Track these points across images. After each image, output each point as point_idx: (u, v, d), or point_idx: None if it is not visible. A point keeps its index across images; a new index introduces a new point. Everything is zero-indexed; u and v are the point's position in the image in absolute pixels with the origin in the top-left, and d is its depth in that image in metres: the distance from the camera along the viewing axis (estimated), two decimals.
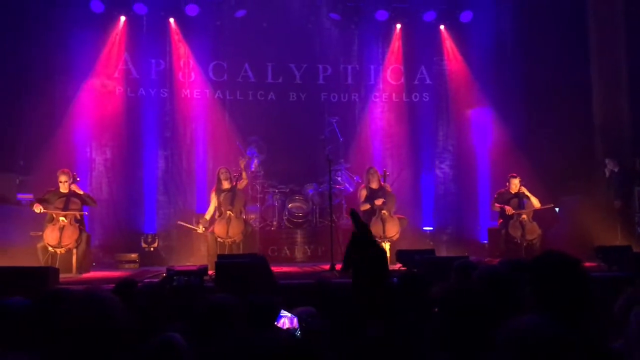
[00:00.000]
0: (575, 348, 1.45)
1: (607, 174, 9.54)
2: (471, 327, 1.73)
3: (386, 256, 1.25)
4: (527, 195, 8.76)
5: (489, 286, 2.29)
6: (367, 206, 8.63)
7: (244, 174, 8.78)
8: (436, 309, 2.25)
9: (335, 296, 3.62)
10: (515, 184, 8.80)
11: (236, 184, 8.61)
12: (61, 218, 7.66)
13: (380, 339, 2.42)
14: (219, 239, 8.31)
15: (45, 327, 2.46)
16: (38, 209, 7.64)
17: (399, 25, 11.01)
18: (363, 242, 1.21)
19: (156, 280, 6.32)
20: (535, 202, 8.72)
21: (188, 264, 8.59)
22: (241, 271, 5.95)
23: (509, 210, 8.66)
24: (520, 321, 1.50)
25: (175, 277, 5.73)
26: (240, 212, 8.54)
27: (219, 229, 8.32)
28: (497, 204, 8.89)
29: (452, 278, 3.14)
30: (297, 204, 9.89)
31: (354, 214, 1.36)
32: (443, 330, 1.77)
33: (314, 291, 3.98)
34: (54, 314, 1.98)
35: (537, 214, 8.76)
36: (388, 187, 8.91)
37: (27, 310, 2.66)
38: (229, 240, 8.30)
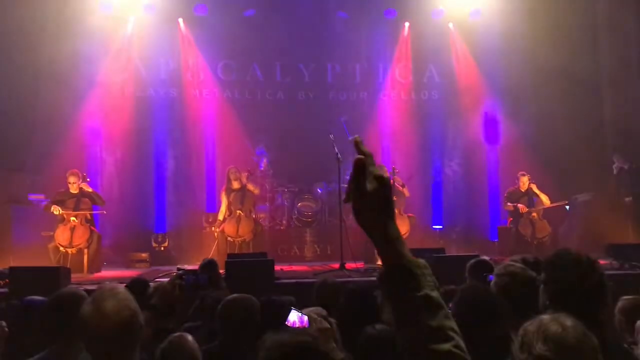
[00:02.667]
0: (597, 347, 1.44)
1: (615, 170, 9.44)
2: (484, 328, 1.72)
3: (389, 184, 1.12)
4: (536, 193, 8.69)
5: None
6: None
7: (250, 186, 8.75)
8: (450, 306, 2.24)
9: (339, 295, 3.61)
10: (524, 182, 8.74)
11: (246, 184, 8.66)
12: (72, 218, 7.72)
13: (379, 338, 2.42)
14: (229, 238, 8.35)
15: (60, 325, 2.49)
16: (57, 210, 7.69)
17: (407, 24, 10.99)
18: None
19: (167, 279, 6.35)
20: (545, 199, 8.65)
21: (198, 263, 8.62)
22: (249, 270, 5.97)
23: (522, 208, 8.59)
24: (535, 321, 1.49)
25: (183, 276, 5.75)
26: (250, 212, 8.57)
27: (229, 228, 8.37)
28: (509, 203, 8.81)
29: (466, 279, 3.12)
30: (306, 203, 9.90)
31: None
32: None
33: (319, 290, 3.98)
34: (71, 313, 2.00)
35: (547, 212, 8.71)
36: (398, 185, 8.84)
37: (46, 309, 2.70)
38: (238, 239, 8.34)
